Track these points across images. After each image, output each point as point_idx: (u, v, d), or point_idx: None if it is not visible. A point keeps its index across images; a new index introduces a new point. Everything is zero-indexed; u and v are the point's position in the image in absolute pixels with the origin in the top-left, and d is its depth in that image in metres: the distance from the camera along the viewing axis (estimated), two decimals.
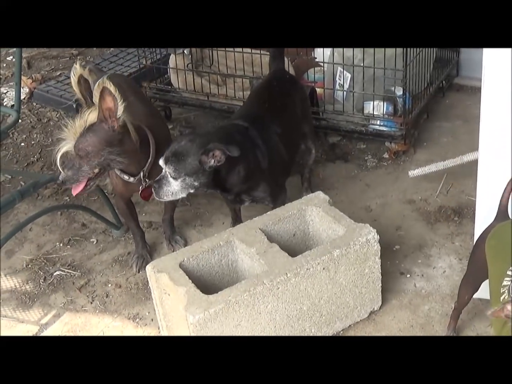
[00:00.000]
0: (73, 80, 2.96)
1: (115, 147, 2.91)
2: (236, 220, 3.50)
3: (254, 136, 3.10)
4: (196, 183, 2.90)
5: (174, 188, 2.90)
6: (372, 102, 4.02)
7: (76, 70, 2.96)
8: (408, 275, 3.22)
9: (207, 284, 2.82)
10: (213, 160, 2.84)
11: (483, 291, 2.93)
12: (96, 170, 2.96)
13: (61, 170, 2.97)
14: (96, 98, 2.84)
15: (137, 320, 3.12)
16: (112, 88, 2.78)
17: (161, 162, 2.89)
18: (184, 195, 2.95)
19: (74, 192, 3.01)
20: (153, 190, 2.95)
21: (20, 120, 3.51)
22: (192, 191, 2.93)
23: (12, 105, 4.75)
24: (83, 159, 2.91)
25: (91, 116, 2.88)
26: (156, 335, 3.02)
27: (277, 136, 3.20)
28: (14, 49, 5.83)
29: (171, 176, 2.88)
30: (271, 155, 3.12)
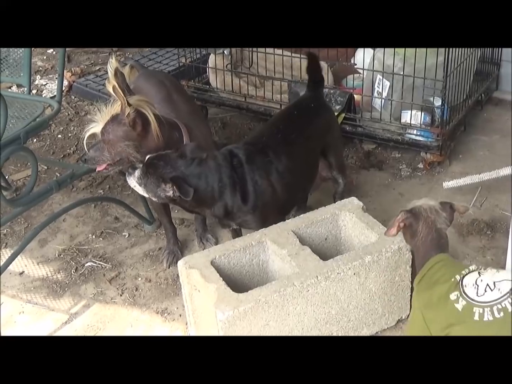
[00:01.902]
0: (110, 73, 3.01)
1: (133, 142, 2.97)
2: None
3: (244, 175, 2.96)
4: (154, 199, 2.93)
5: (137, 187, 2.94)
6: (409, 111, 4.01)
7: (112, 63, 3.01)
8: None
9: (237, 283, 2.83)
10: (171, 191, 2.82)
11: None
12: (117, 158, 3.02)
13: (86, 150, 3.07)
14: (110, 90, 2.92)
15: (165, 315, 3.15)
16: (118, 86, 2.86)
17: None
18: (147, 196, 3.00)
19: (98, 168, 3.10)
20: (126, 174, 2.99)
21: None
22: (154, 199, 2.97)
23: (52, 97, 4.83)
24: (106, 144, 2.99)
25: (116, 107, 2.95)
26: (183, 331, 3.04)
27: (277, 174, 3.04)
28: None
29: (137, 178, 2.91)
30: (259, 197, 2.99)
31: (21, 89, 4.71)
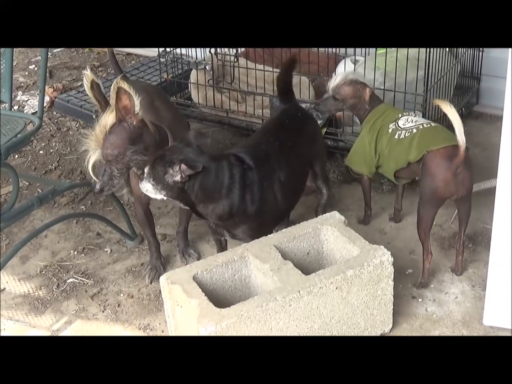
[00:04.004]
0: (86, 85, 2.99)
1: (137, 144, 2.92)
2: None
3: (253, 180, 2.97)
4: (163, 192, 2.86)
5: (148, 187, 2.88)
6: None
7: (88, 75, 2.98)
8: (420, 299, 3.22)
9: (219, 298, 2.83)
10: (179, 175, 2.78)
11: (496, 319, 2.94)
12: (125, 170, 2.99)
13: (96, 180, 2.98)
14: (112, 99, 2.87)
15: (148, 330, 3.14)
16: (126, 86, 2.81)
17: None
18: (158, 197, 2.91)
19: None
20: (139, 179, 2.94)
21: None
22: (164, 198, 2.90)
23: (33, 113, 4.82)
24: (112, 163, 2.93)
25: (109, 118, 2.90)
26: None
27: (279, 184, 3.07)
28: (37, 58, 5.93)
29: (146, 177, 2.87)
30: (263, 204, 3.00)
31: (3, 105, 4.69)
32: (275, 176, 3.07)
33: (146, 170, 2.86)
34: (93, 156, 2.94)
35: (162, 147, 2.96)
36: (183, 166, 2.76)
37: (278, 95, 3.58)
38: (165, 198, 2.91)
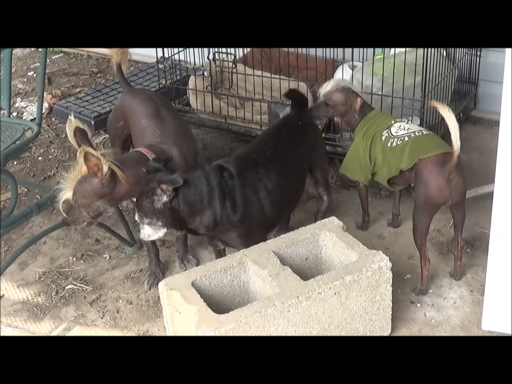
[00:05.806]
0: (69, 133, 3.02)
1: (106, 197, 3.01)
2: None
3: (234, 187, 2.99)
4: (160, 223, 2.90)
5: (147, 231, 2.93)
6: None
7: (71, 122, 3.02)
8: (419, 304, 3.22)
9: (218, 304, 2.83)
10: (164, 196, 2.83)
11: (495, 324, 2.94)
12: (95, 213, 3.08)
13: (64, 215, 3.09)
14: (80, 160, 2.94)
15: None
16: (92, 150, 2.88)
17: None
18: (161, 235, 2.96)
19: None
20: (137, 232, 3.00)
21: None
22: (165, 230, 2.94)
23: (32, 119, 4.83)
24: (80, 207, 3.03)
25: (83, 168, 2.97)
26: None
27: (265, 192, 3.07)
28: (36, 64, 5.94)
29: (140, 221, 2.92)
30: (247, 211, 3.01)
31: (1, 112, 4.70)
32: (261, 184, 3.07)
33: (136, 217, 2.92)
34: (64, 196, 3.04)
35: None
36: (162, 185, 2.81)
37: (291, 104, 3.60)
38: (166, 230, 2.94)
